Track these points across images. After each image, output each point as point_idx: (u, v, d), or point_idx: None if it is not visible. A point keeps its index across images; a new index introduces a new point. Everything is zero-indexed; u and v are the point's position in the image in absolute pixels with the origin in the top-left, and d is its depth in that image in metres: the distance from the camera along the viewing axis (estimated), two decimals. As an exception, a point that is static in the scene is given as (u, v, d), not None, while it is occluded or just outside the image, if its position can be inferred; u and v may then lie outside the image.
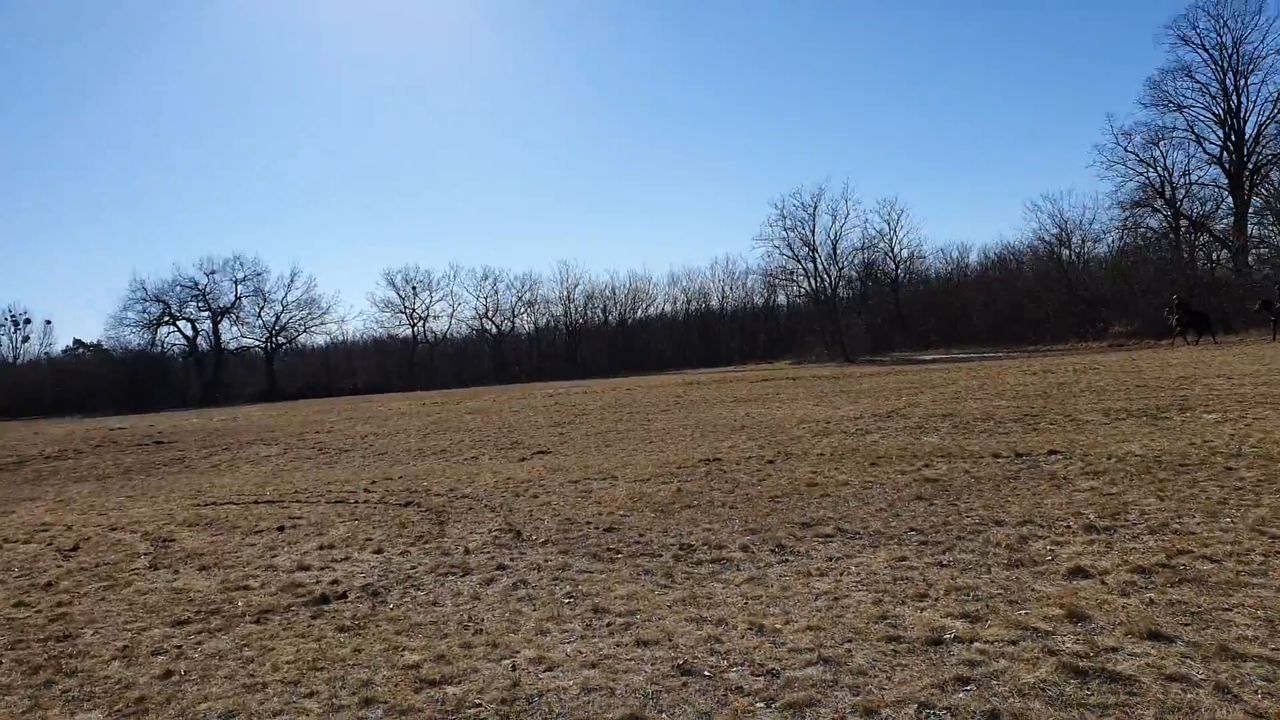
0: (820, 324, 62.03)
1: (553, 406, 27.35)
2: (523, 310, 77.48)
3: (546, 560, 6.98)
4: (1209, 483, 7.95)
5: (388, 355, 73.36)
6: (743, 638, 4.77)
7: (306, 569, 7.16)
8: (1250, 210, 52.33)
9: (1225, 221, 53.89)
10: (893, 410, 17.58)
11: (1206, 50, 52.33)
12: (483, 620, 5.43)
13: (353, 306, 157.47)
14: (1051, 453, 10.54)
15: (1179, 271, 50.73)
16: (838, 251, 62.77)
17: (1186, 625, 4.43)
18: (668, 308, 79.04)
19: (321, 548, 7.94)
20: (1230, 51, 51.84)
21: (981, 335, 58.81)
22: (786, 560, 6.52)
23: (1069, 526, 6.79)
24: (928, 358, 49.10)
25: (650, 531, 7.85)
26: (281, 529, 8.95)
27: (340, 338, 76.65)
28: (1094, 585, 5.24)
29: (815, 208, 61.42)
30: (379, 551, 7.69)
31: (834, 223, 63.09)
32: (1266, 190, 52.81)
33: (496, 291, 76.49)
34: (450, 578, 6.63)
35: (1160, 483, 8.12)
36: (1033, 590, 5.24)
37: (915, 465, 10.45)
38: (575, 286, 77.19)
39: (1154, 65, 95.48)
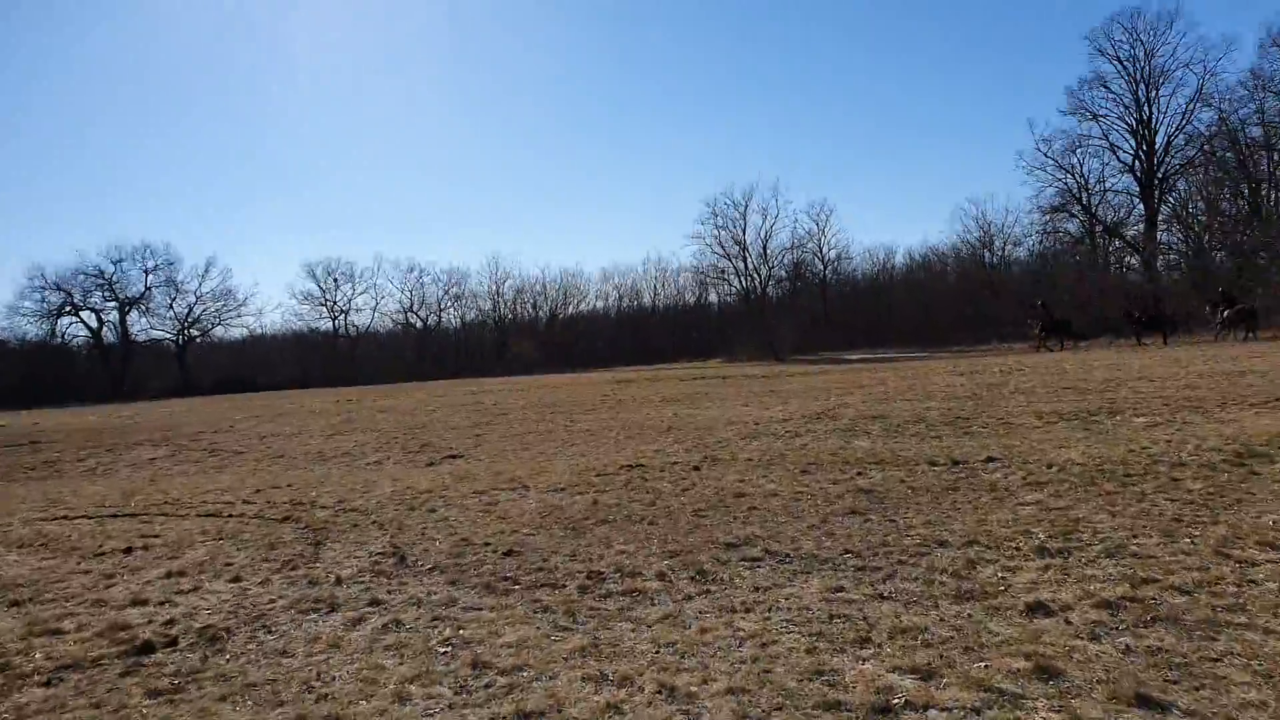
0: (750, 323, 61.90)
1: (473, 405, 26.17)
2: (450, 304, 75.70)
3: (430, 593, 6.00)
4: (1158, 495, 7.38)
5: (308, 349, 70.72)
6: (650, 705, 3.90)
7: (142, 604, 6.03)
8: (1160, 218, 53.85)
9: (1136, 228, 55.40)
10: (822, 411, 16.98)
11: (1121, 62, 53.74)
12: (333, 680, 4.44)
13: (271, 298, 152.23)
14: (989, 460, 9.95)
15: (1094, 275, 51.92)
16: (768, 251, 62.96)
17: (1175, 684, 3.72)
18: (600, 304, 78.21)
19: (169, 575, 6.80)
20: (1143, 64, 53.34)
21: (907, 335, 59.39)
22: (708, 591, 5.68)
23: (1018, 548, 6.10)
24: (854, 357, 49.12)
25: (556, 555, 6.93)
26: (129, 550, 7.76)
27: (259, 331, 73.68)
28: (1058, 626, 4.51)
29: (746, 207, 61.47)
30: (236, 580, 6.59)
31: (764, 222, 63.31)
32: (1173, 199, 54.44)
33: (422, 285, 74.59)
34: (311, 616, 5.61)
35: (1108, 496, 7.53)
36: (989, 633, 4.49)
37: (848, 473, 9.75)
38: (505, 281, 75.78)
39: (1074, 74, 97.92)
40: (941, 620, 4.75)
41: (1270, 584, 4.89)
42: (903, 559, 6.07)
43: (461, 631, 5.13)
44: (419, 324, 74.70)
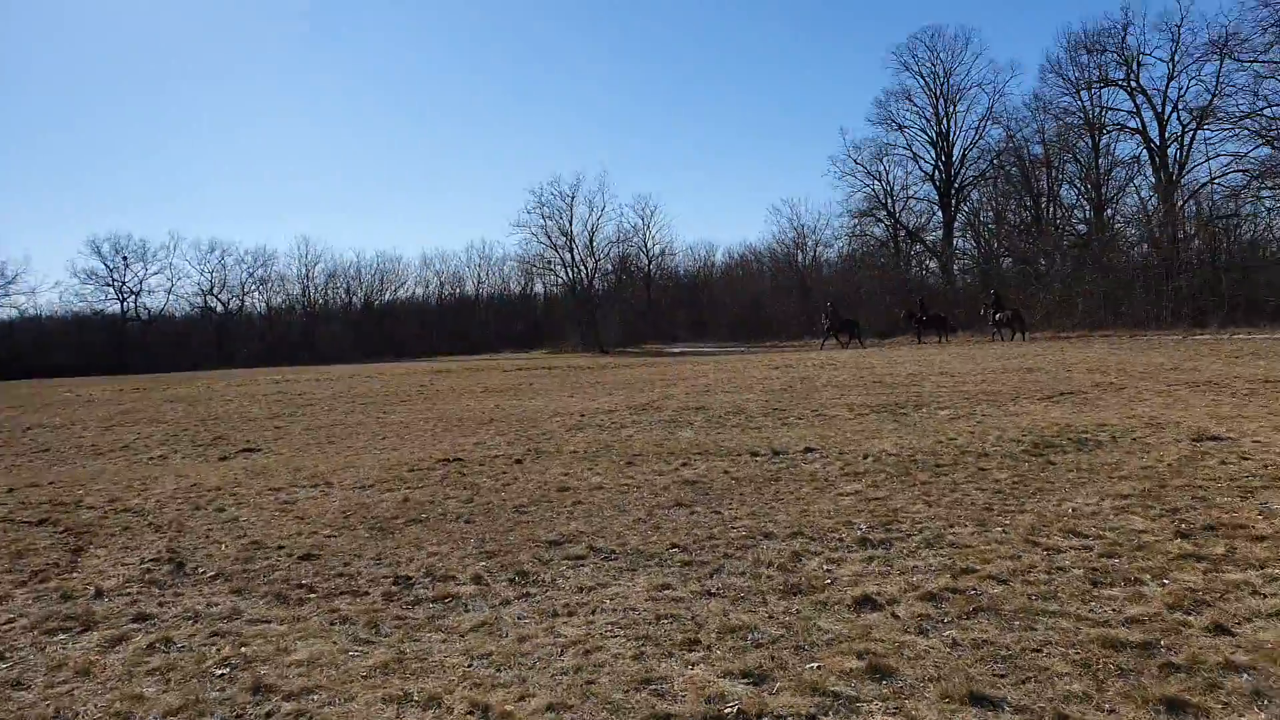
0: (576, 314, 61.78)
1: (276, 395, 24.47)
2: (254, 288, 70.92)
3: (210, 605, 5.27)
4: (968, 485, 7.64)
5: (90, 333, 64.16)
6: (460, 730, 3.46)
7: None
8: (955, 225, 58.12)
9: (936, 234, 59.50)
10: (647, 403, 16.93)
11: (923, 77, 57.51)
12: (77, 716, 3.72)
13: (47, 276, 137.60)
14: (808, 450, 10.10)
15: (897, 277, 55.34)
16: (594, 243, 62.95)
17: (1004, 678, 3.68)
18: (419, 291, 75.67)
19: (-124, 597, 5.68)
20: (942, 80, 57.30)
21: (724, 330, 61.16)
22: (528, 594, 5.28)
23: (841, 540, 6.08)
24: (677, 350, 50.07)
25: (360, 558, 6.32)
26: None
27: (31, 311, 66.15)
28: (886, 620, 4.43)
29: (573, 198, 61.20)
30: (-36, 598, 5.58)
31: (591, 214, 63.26)
32: (967, 208, 58.88)
33: (224, 266, 69.47)
34: (60, 637, 4.76)
35: (922, 486, 7.73)
36: (819, 630, 4.35)
37: (673, 464, 9.61)
38: (315, 264, 71.84)
39: (882, 86, 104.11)
40: (770, 617, 4.58)
41: (1076, 570, 5.04)
42: (729, 552, 5.90)
43: (244, 649, 4.47)
44: (220, 308, 69.61)
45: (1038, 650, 3.89)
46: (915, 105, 58.10)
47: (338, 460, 11.60)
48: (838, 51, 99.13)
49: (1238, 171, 40.64)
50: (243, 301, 70.39)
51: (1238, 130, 40.79)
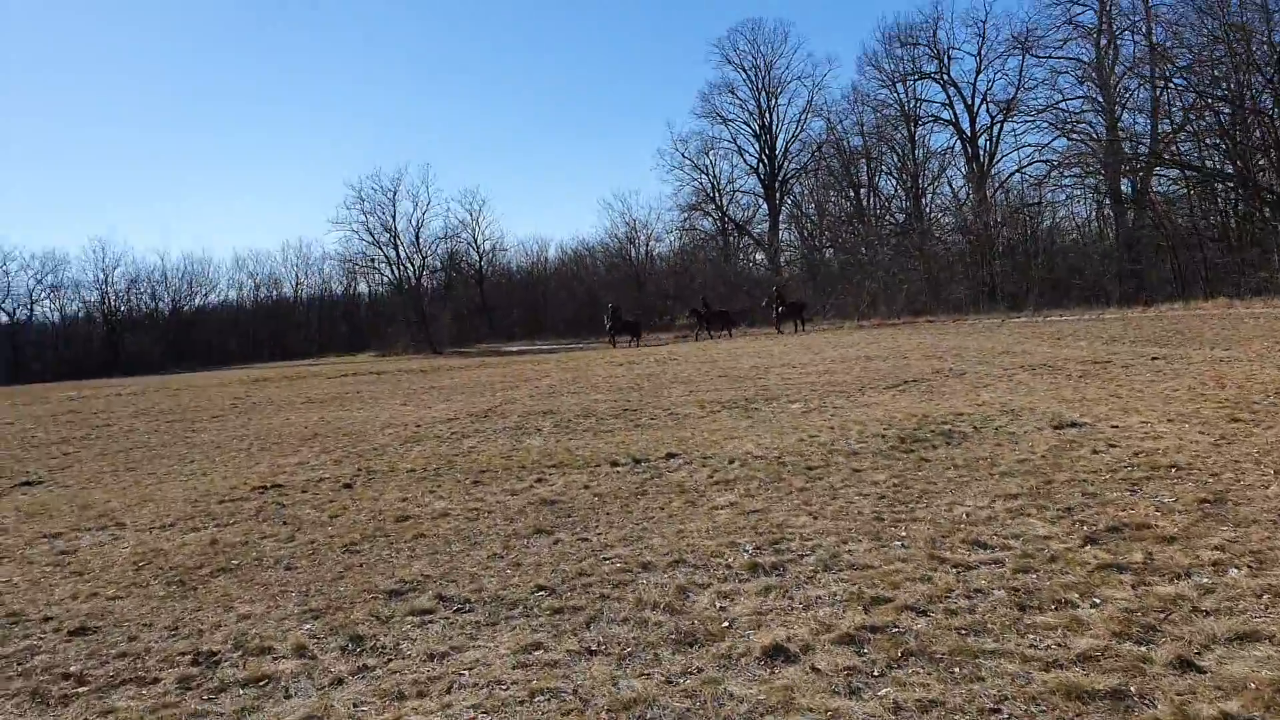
0: (405, 314, 59.29)
1: (67, 415, 21.65)
2: (45, 295, 63.90)
3: (-79, 725, 3.95)
4: (848, 490, 7.14)
5: None
6: None
7: None
8: (780, 218, 59.73)
9: (762, 226, 60.97)
10: (489, 409, 15.86)
11: (745, 70, 58.78)
12: None
13: None
14: (670, 456, 9.42)
15: (727, 270, 56.28)
16: (421, 240, 60.66)
17: (971, 754, 3.02)
18: (232, 294, 70.54)
19: None
20: (764, 74, 58.71)
21: (561, 326, 60.30)
22: (365, 668, 4.24)
23: (729, 566, 5.37)
24: (514, 349, 48.79)
25: (151, 628, 5.05)
26: None
27: None
28: (807, 678, 3.72)
29: (395, 193, 58.81)
30: None
31: (415, 210, 61.09)
32: (790, 200, 60.69)
33: (8, 273, 62.18)
34: None
35: (800, 493, 7.17)
36: (731, 699, 3.58)
37: (526, 481, 8.68)
38: (115, 268, 65.55)
39: (705, 79, 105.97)
40: (669, 683, 3.77)
41: (997, 592, 4.53)
42: (605, 592, 5.06)
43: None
44: (5, 319, 62.32)
45: (996, 710, 3.27)
46: (738, 98, 59.28)
47: (135, 492, 9.95)
48: (662, 43, 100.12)
49: (1040, 162, 43.69)
50: (31, 311, 63.29)
51: (1039, 122, 43.83)
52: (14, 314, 62.51)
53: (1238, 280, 31.51)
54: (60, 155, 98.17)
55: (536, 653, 4.24)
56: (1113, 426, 9.10)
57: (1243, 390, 11.01)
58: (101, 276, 64.78)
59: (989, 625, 4.09)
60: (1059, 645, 3.81)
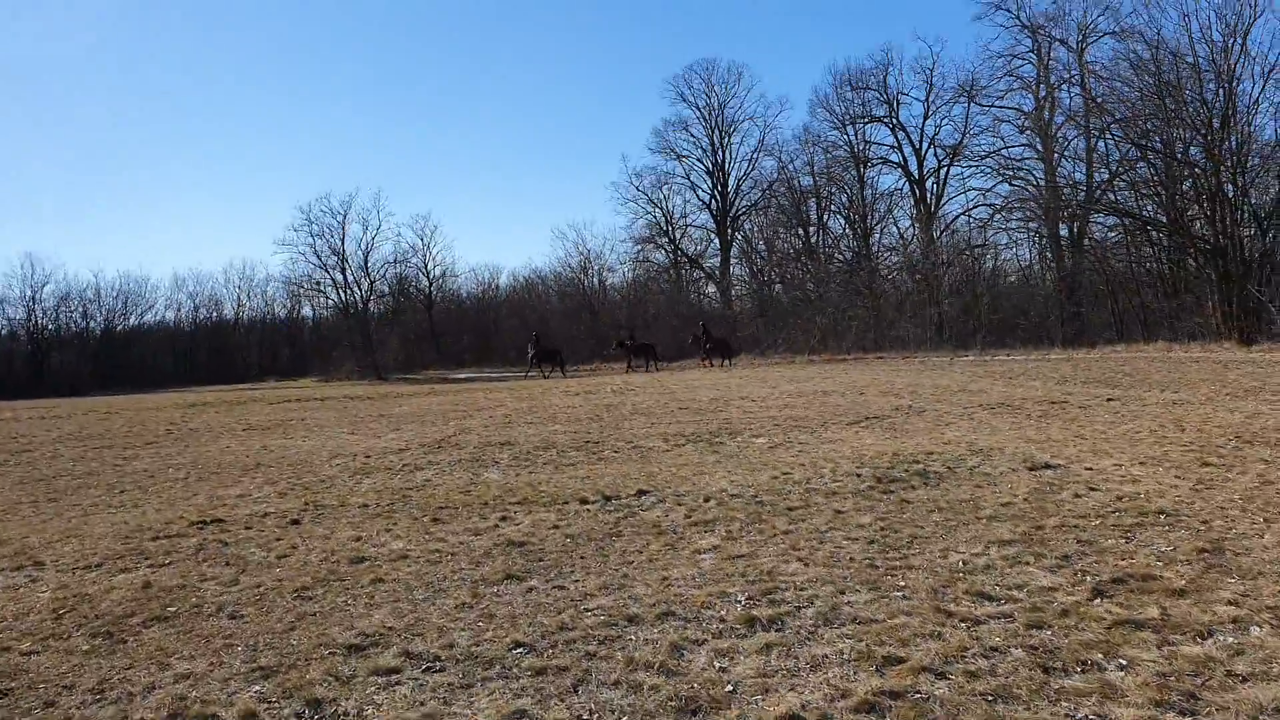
0: (351, 338, 58.05)
1: (-16, 439, 20.40)
2: (-36, 312, 61.13)
3: None
4: (834, 533, 6.82)
5: None
6: None
7: None
8: (732, 253, 60.10)
9: (714, 260, 61.27)
10: (443, 439, 15.28)
11: (699, 109, 59.36)
12: None
13: None
14: (641, 493, 9.03)
15: (678, 302, 56.31)
16: (369, 264, 59.66)
17: None
18: (170, 315, 68.32)
19: None
20: (717, 112, 59.32)
21: (512, 354, 59.45)
22: (325, 741, 3.75)
23: (723, 619, 4.98)
24: (462, 375, 47.93)
25: (73, 692, 4.47)
26: None
27: None
28: (834, 755, 3.34)
29: (345, 215, 57.77)
30: None
31: (365, 233, 60.21)
32: (741, 236, 61.13)
33: (-75, 288, 59.39)
34: None
35: (785, 536, 6.82)
36: (753, 781, 3.19)
37: (490, 519, 8.19)
38: (44, 285, 63.06)
39: (660, 116, 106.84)
40: (677, 761, 3.37)
41: (1015, 651, 4.22)
42: (591, 649, 4.63)
43: None
44: (-81, 335, 59.47)
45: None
46: (692, 135, 59.76)
47: (57, 526, 9.19)
48: (619, 74, 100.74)
49: (985, 205, 44.64)
50: (-51, 328, 60.45)
51: (983, 167, 44.84)
52: (-70, 331, 59.65)
53: (1173, 324, 32.33)
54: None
55: (522, 721, 3.79)
56: (1086, 469, 8.97)
57: (1203, 434, 11.03)
58: (29, 293, 62.22)
59: (1016, 690, 3.77)
60: (1098, 715, 3.49)
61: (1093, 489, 7.85)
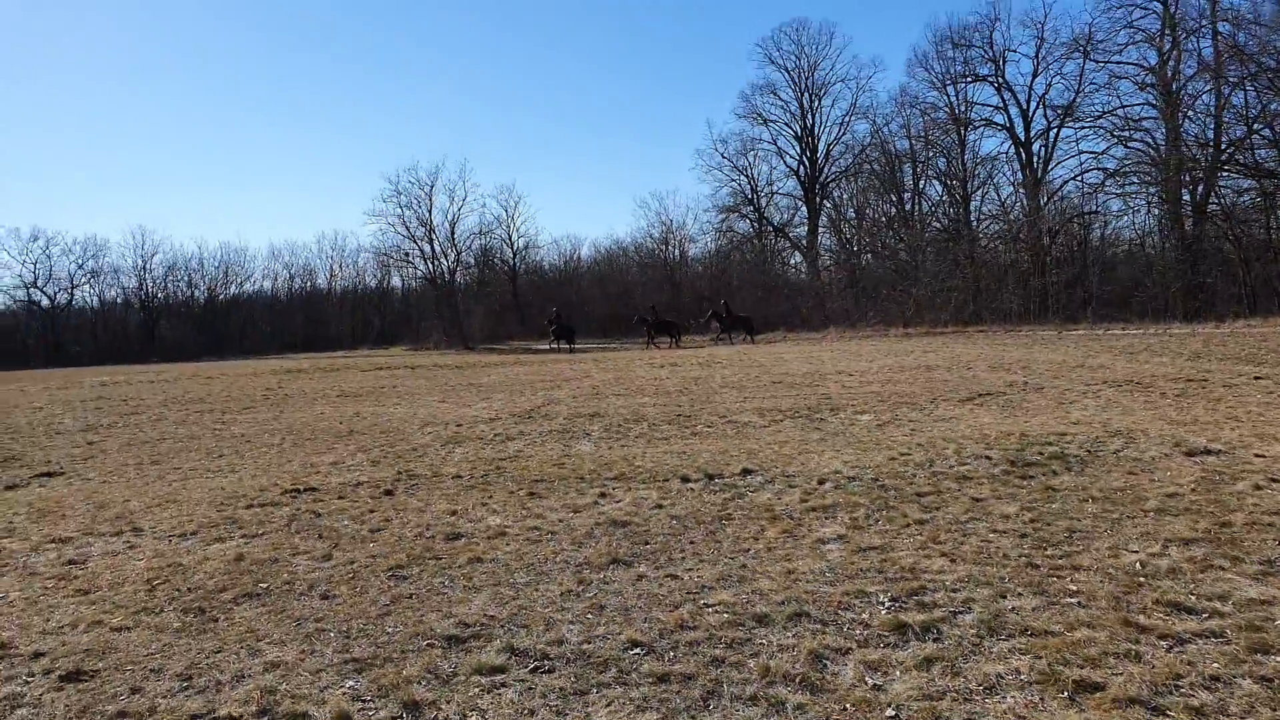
0: (438, 309, 58.69)
1: (96, 401, 21.03)
2: (85, 280, 64.03)
3: None
4: (977, 524, 6.09)
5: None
6: None
7: None
8: (820, 221, 58.29)
9: (800, 229, 59.58)
10: (532, 409, 14.93)
11: (788, 71, 57.37)
12: None
13: None
14: (745, 472, 8.42)
15: (762, 273, 55.01)
16: (455, 235, 60.05)
17: None
18: (267, 284, 70.35)
19: None
20: (807, 75, 57.28)
21: (594, 326, 59.30)
22: (425, 755, 3.29)
23: (866, 624, 4.35)
24: (544, 347, 47.81)
25: (159, 676, 4.12)
26: None
27: None
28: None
29: (432, 187, 58.20)
30: None
31: (451, 204, 60.66)
32: (830, 204, 59.22)
33: (50, 257, 62.38)
34: None
35: (919, 526, 6.12)
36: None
37: (588, 495, 7.71)
38: (153, 255, 65.58)
39: (747, 79, 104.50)
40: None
41: (1243, 682, 3.48)
42: (718, 653, 4.07)
43: None
44: (46, 302, 62.55)
45: None
46: (780, 99, 57.97)
47: (158, 490, 9.12)
48: (704, 42, 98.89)
49: (1097, 170, 42.06)
50: (72, 295, 63.47)
51: (1097, 128, 42.19)
52: (54, 298, 62.66)
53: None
54: (102, 141, 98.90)
55: (649, 743, 3.26)
56: (1258, 456, 7.97)
57: (1383, 418, 9.81)
58: (140, 263, 64.79)
59: (1263, 737, 3.05)
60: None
61: (1275, 480, 6.89)
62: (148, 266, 65.15)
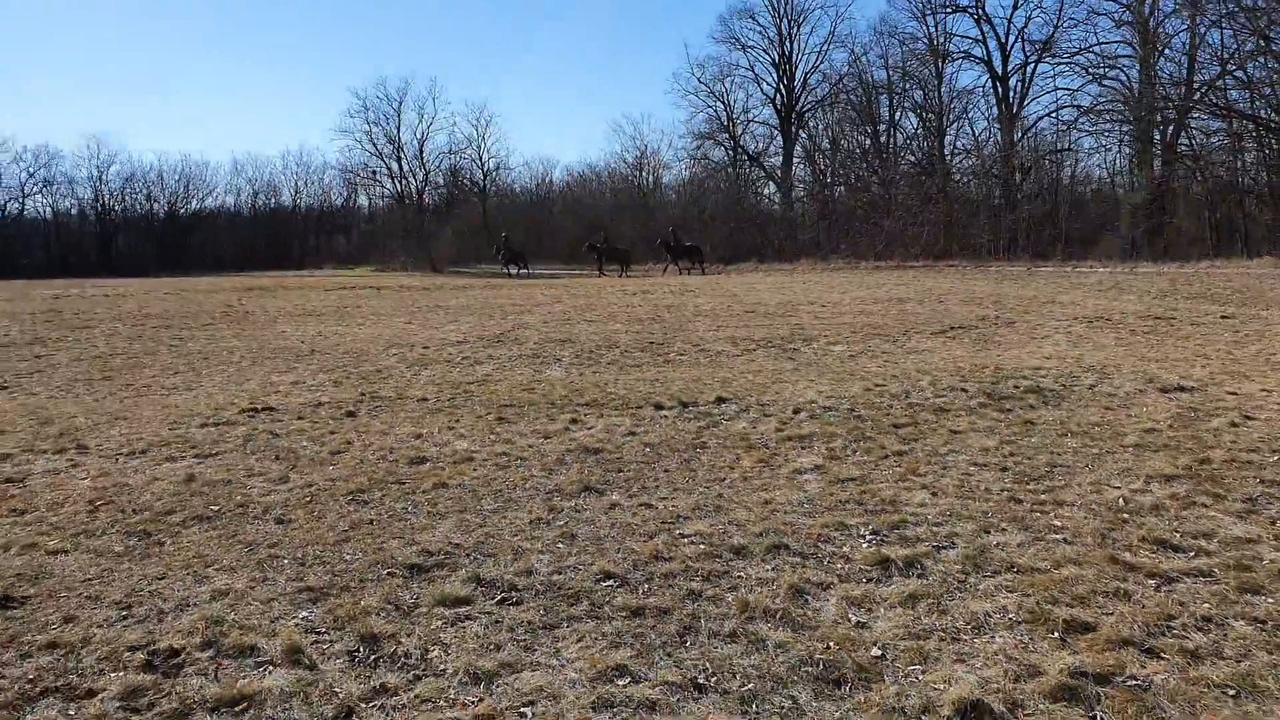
0: (405, 229, 57.52)
1: (47, 313, 20.30)
2: (36, 190, 61.64)
3: None
4: (955, 456, 5.96)
5: None
6: None
7: None
8: (795, 151, 57.46)
9: (775, 159, 58.73)
10: (501, 333, 14.61)
11: (768, -5, 55.67)
12: None
13: None
14: (720, 400, 8.23)
15: (737, 202, 54.33)
16: (424, 154, 58.57)
17: None
18: (230, 200, 68.24)
19: None
20: (787, 0, 55.71)
21: (565, 253, 58.41)
22: (383, 691, 3.08)
23: (847, 558, 4.20)
24: (514, 271, 47.16)
25: (98, 604, 3.87)
26: None
27: None
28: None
29: (401, 103, 56.57)
30: None
31: (420, 122, 59.00)
32: (805, 134, 58.33)
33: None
34: None
35: (898, 457, 5.98)
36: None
37: (559, 420, 7.48)
38: (110, 166, 63.16)
39: (726, 3, 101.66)
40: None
41: (1236, 624, 3.37)
42: (694, 586, 3.89)
43: None
44: (-5, 212, 60.28)
45: None
46: (759, 24, 56.43)
47: (107, 407, 8.74)
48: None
49: (1071, 107, 41.70)
50: (23, 205, 61.12)
51: (1073, 63, 41.71)
52: (4, 207, 60.36)
53: (1276, 239, 30.12)
54: (49, 43, 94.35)
55: (621, 682, 3.08)
56: (1230, 393, 7.92)
57: (1352, 358, 9.83)
58: (96, 173, 62.32)
59: (1260, 682, 2.93)
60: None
61: (1249, 418, 6.83)
62: (104, 177, 62.77)
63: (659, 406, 7.98)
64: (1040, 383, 8.70)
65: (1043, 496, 4.98)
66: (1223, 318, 14.27)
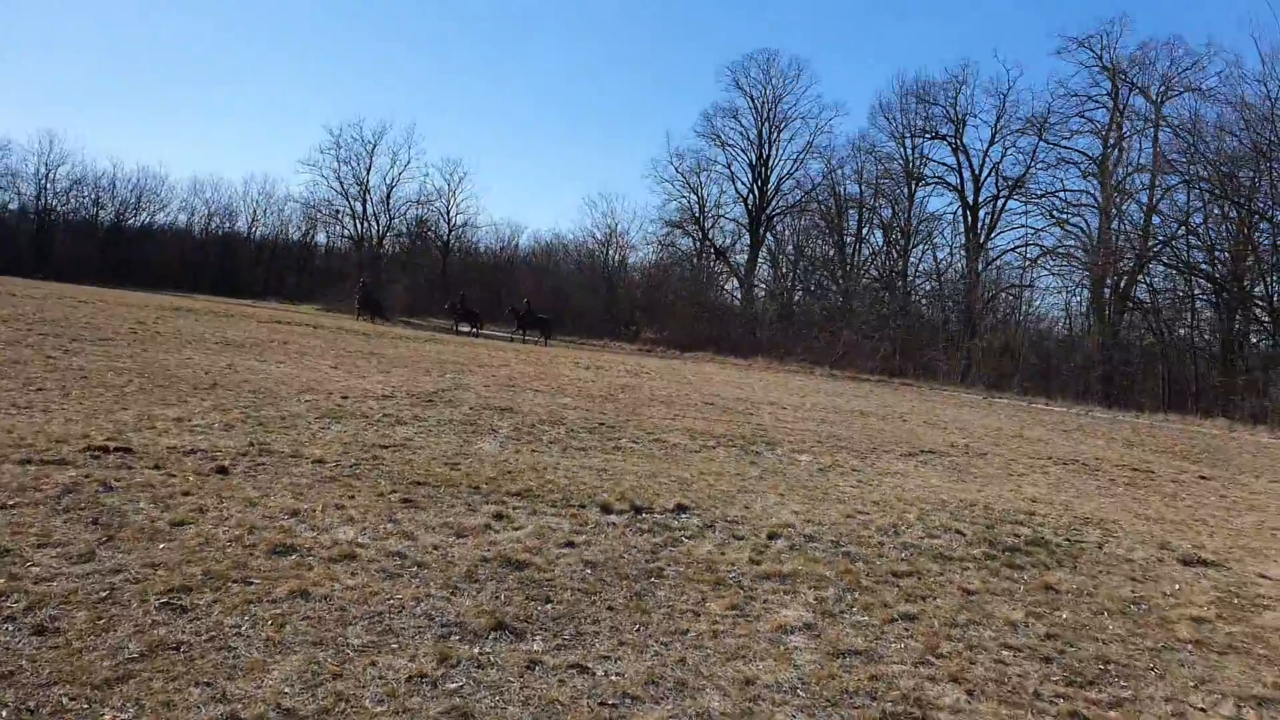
0: (360, 272, 55.76)
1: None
2: (-26, 181, 58.45)
3: None
4: (979, 630, 4.65)
5: None
6: None
7: None
8: (761, 252, 57.68)
9: (740, 256, 58.78)
10: (436, 392, 13.13)
11: (753, 99, 56.54)
12: None
13: None
14: (680, 509, 6.88)
15: (698, 292, 53.91)
16: (390, 199, 57.37)
17: None
18: (183, 218, 65.56)
19: None
20: (771, 106, 56.59)
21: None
22: None
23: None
24: (466, 329, 45.69)
25: None
26: None
27: None
28: None
29: (375, 145, 55.36)
30: None
31: (393, 167, 57.84)
32: (772, 237, 58.65)
33: (-63, 146, 56.65)
34: None
35: (906, 623, 4.65)
36: None
37: (480, 513, 6.03)
38: (59, 166, 60.29)
39: (712, 100, 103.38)
40: None
41: None
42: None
43: None
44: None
45: None
46: (741, 125, 57.08)
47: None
48: (676, 51, 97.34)
49: (1035, 245, 42.22)
50: (-43, 194, 57.85)
51: (1041, 205, 42.41)
52: (-62, 197, 57.17)
53: (1228, 401, 30.09)
54: (11, 36, 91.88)
55: None
56: (1260, 575, 6.81)
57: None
58: (43, 170, 59.51)
59: None
60: None
61: (1311, 615, 5.67)
62: (52, 176, 59.94)
63: (606, 509, 6.58)
64: (1041, 533, 7.52)
65: (1111, 715, 3.67)
66: (1201, 478, 13.41)
